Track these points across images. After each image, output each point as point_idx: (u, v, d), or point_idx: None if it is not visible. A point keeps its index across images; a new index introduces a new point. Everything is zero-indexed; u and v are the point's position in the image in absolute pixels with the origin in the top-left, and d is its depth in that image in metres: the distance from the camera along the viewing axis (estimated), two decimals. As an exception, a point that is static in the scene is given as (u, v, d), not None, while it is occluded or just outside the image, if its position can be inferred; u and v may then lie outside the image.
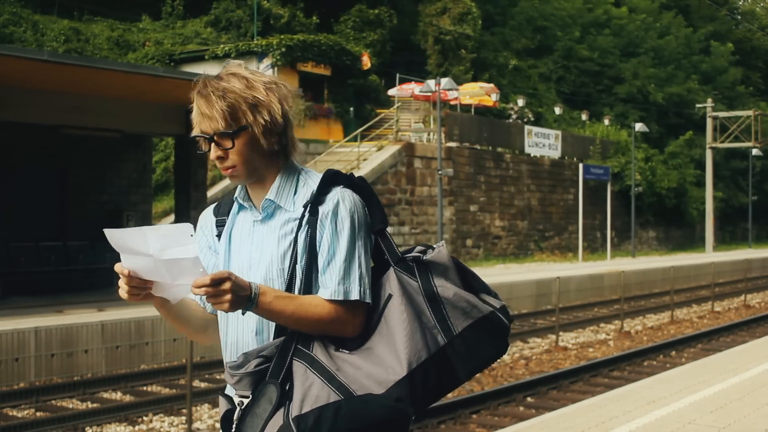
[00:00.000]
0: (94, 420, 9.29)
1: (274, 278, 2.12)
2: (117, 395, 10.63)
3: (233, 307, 1.97)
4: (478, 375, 11.69)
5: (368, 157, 25.49)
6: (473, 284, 2.15)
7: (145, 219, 20.03)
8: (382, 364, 2.02)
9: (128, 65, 19.98)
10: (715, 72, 49.73)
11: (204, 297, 2.00)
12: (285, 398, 2.00)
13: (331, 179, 2.14)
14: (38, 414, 9.60)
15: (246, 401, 2.04)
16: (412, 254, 2.12)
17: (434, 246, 2.16)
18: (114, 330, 11.70)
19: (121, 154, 19.78)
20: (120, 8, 30.56)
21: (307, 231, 2.11)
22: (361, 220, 2.11)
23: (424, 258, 2.10)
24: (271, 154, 2.17)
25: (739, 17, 61.48)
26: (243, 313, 2.09)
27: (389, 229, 2.19)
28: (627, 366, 12.52)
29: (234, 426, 2.04)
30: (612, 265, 27.35)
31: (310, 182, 2.18)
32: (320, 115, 28.46)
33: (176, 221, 14.86)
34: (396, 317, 2.05)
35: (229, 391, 2.17)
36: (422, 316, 2.06)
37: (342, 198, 2.11)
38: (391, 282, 2.09)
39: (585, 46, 42.94)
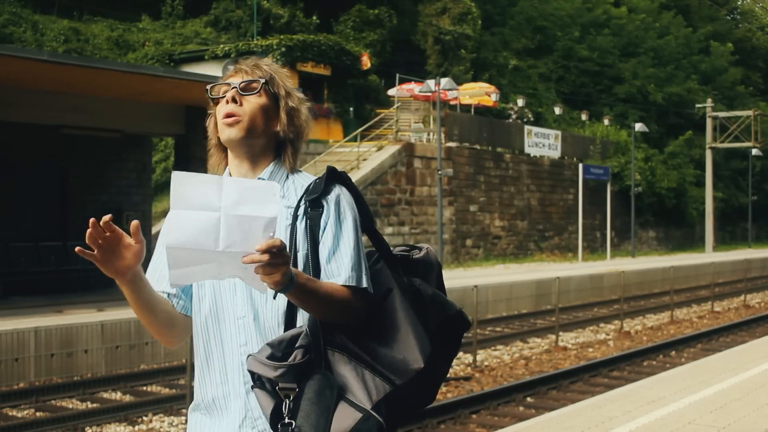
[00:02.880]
0: (94, 420, 9.29)
1: None
2: (117, 395, 10.63)
3: (281, 283, 1.86)
4: (477, 375, 11.73)
5: (368, 157, 25.48)
6: (443, 287, 2.24)
7: (145, 219, 20.02)
8: (397, 355, 2.04)
9: (128, 65, 19.99)
10: (714, 72, 49.71)
11: (213, 281, 1.92)
12: (338, 388, 1.99)
13: (333, 175, 2.15)
14: (38, 414, 9.60)
15: (292, 394, 1.96)
16: (398, 252, 2.21)
17: (420, 246, 2.23)
18: (114, 330, 11.70)
19: (121, 154, 19.78)
20: (120, 8, 30.54)
21: (306, 222, 2.09)
22: (357, 215, 2.15)
23: (414, 257, 2.19)
24: (273, 138, 2.18)
25: (739, 17, 61.47)
26: (274, 297, 2.01)
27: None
28: (627, 366, 12.52)
29: (286, 419, 1.96)
30: (612, 265, 27.36)
31: (302, 177, 2.20)
32: (320, 115, 28.43)
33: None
34: (399, 311, 2.08)
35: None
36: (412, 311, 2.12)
37: (341, 192, 2.14)
38: (386, 277, 2.13)
39: (585, 46, 42.93)
